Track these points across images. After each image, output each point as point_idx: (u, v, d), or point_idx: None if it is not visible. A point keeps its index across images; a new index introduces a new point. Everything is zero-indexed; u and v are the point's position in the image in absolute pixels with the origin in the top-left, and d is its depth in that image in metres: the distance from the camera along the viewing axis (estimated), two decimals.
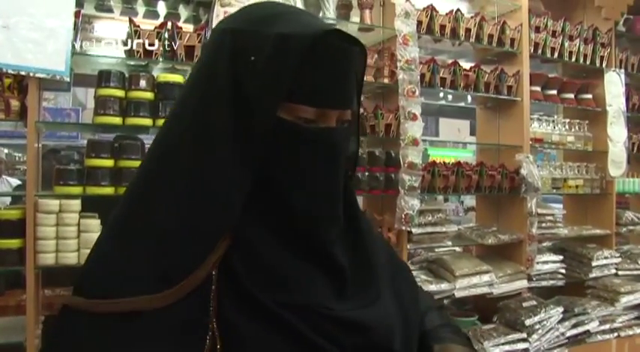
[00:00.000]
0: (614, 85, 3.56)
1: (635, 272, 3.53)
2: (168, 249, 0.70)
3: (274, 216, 0.76)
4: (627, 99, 3.66)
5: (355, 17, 2.89)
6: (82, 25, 2.28)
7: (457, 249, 3.30)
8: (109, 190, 2.21)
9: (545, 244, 3.47)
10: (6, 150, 5.46)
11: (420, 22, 2.87)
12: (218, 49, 0.75)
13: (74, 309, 0.70)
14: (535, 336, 2.84)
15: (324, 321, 0.74)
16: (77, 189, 2.21)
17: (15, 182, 4.66)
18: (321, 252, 0.78)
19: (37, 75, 2.09)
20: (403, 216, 2.64)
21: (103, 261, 0.74)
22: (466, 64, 3.18)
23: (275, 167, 0.75)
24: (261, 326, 0.71)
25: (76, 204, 2.22)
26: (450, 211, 3.14)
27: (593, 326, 3.11)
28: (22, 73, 2.07)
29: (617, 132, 3.51)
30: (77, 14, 2.19)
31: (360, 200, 3.01)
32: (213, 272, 0.70)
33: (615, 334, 3.23)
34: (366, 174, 2.69)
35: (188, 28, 2.56)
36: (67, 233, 2.18)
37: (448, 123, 7.98)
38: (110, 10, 2.60)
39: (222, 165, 0.72)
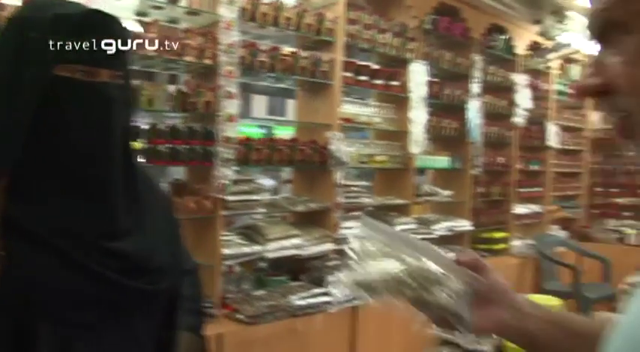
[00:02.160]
0: (418, 75, 4.09)
1: (428, 236, 4.15)
2: None
3: (54, 158, 0.99)
4: (430, 88, 4.23)
5: (183, 1, 3.09)
6: None
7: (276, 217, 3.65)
8: None
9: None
10: None
11: (244, 9, 3.13)
12: (9, 36, 1.00)
13: None
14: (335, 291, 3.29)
15: (95, 250, 0.99)
16: None
17: None
18: (97, 189, 1.02)
19: None
20: (219, 184, 2.93)
21: None
22: (289, 50, 3.50)
23: (56, 116, 0.98)
24: (38, 251, 0.95)
25: None
26: (268, 185, 3.47)
27: None
28: None
29: (417, 115, 4.05)
30: None
31: (180, 170, 3.28)
32: None
33: None
34: (186, 147, 2.93)
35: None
36: None
37: (293, 103, 8.44)
38: None
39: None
